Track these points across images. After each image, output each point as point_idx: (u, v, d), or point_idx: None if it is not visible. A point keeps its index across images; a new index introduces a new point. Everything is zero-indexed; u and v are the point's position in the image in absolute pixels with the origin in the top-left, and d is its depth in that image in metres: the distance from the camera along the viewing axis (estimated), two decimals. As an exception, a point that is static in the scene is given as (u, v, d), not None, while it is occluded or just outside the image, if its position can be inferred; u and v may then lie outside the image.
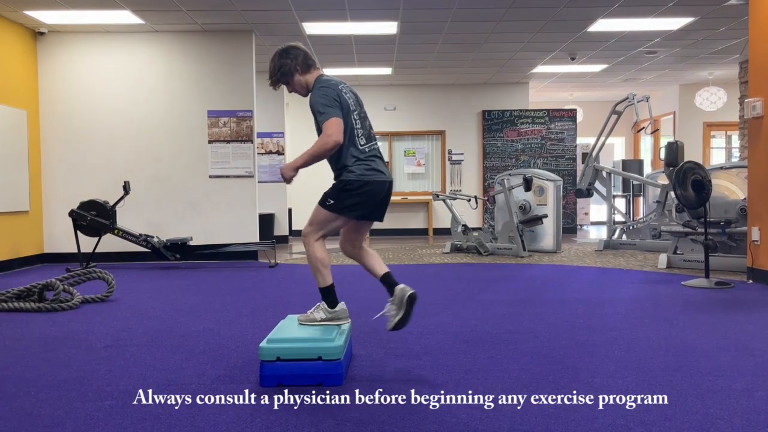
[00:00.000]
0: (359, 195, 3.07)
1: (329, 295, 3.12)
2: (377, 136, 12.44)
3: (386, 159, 11.89)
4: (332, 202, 3.08)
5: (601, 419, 2.42)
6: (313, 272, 3.14)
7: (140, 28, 7.77)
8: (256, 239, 8.11)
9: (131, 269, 7.27)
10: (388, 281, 3.13)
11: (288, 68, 3.15)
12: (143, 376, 3.03)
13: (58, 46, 7.92)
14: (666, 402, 2.60)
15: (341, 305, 3.14)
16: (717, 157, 12.95)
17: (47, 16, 7.21)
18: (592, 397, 2.67)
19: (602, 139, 8.97)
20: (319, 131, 3.08)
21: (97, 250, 7.22)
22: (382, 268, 3.18)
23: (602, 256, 8.07)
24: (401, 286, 3.09)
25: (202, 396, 2.73)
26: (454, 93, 12.03)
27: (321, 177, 11.73)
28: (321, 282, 3.11)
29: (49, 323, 4.31)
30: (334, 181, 3.15)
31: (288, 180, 3.14)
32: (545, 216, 8.42)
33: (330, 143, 2.99)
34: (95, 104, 7.97)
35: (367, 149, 3.13)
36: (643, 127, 9.63)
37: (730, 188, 7.00)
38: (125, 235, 7.23)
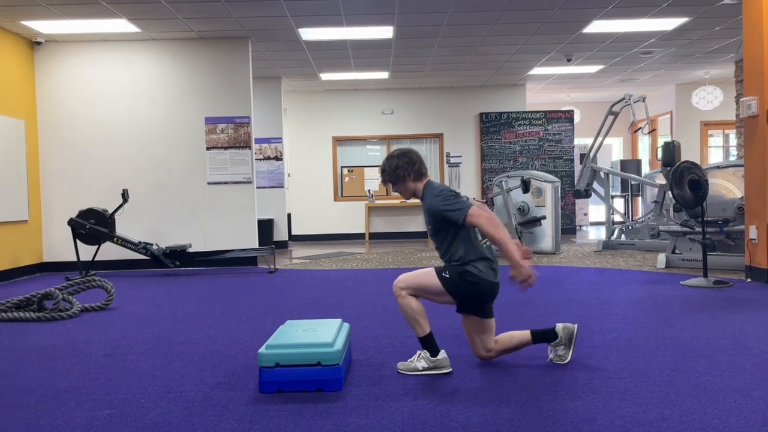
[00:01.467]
0: (473, 288, 3.05)
1: (430, 344, 3.11)
2: (375, 140, 12.52)
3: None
4: (448, 277, 3.06)
5: (600, 420, 2.42)
6: (411, 324, 3.11)
7: (137, 37, 7.79)
8: (256, 245, 8.12)
9: (131, 277, 7.27)
10: (541, 333, 3.20)
11: (403, 172, 3.19)
12: (143, 385, 3.03)
13: (55, 55, 7.94)
14: (664, 402, 2.60)
15: (443, 353, 3.12)
16: (715, 156, 12.97)
17: (44, 26, 7.23)
18: (590, 398, 2.68)
19: (600, 139, 8.98)
20: (439, 231, 3.09)
21: (96, 259, 7.23)
22: (523, 332, 3.22)
23: (601, 256, 8.08)
24: (561, 325, 3.19)
25: (202, 403, 2.74)
26: (451, 96, 12.05)
27: (321, 179, 11.80)
28: (419, 332, 3.09)
29: (48, 332, 4.32)
30: (446, 264, 3.12)
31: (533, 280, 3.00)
32: (544, 217, 8.43)
33: (495, 221, 2.97)
34: (93, 113, 7.98)
35: (484, 245, 3.11)
36: (640, 127, 9.65)
37: (727, 187, 7.01)
38: (124, 243, 7.24)
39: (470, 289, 3.06)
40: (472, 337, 3.22)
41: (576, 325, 3.22)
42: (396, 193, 3.21)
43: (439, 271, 3.09)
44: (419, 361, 3.13)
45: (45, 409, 2.73)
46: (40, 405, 2.78)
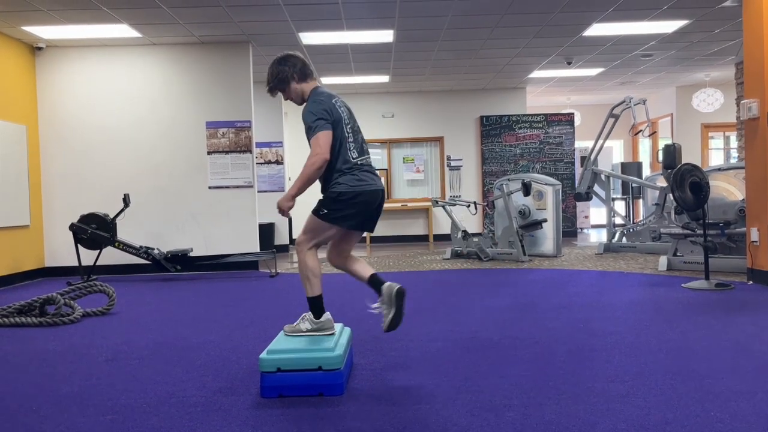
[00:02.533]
0: (353, 205, 3.09)
1: (316, 305, 3.12)
2: (377, 144, 12.52)
3: (385, 166, 12.01)
4: (325, 211, 3.09)
5: (602, 424, 2.42)
6: (303, 281, 3.13)
7: (138, 42, 7.81)
8: (257, 249, 8.12)
9: (132, 282, 7.27)
10: (375, 281, 3.14)
11: (285, 75, 3.16)
12: (144, 390, 3.03)
13: (56, 60, 7.95)
14: (667, 406, 2.60)
15: (326, 315, 3.13)
16: (715, 158, 12.96)
17: (45, 32, 7.25)
18: (593, 401, 2.67)
19: (600, 142, 8.98)
20: (310, 144, 3.10)
21: (97, 263, 7.23)
22: (368, 271, 3.20)
23: (602, 259, 8.07)
24: (388, 283, 3.10)
25: (203, 408, 2.73)
26: (452, 99, 12.06)
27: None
28: (309, 291, 3.11)
29: (50, 338, 4.32)
30: (322, 194, 3.16)
31: (285, 212, 3.15)
32: (545, 220, 8.43)
33: (318, 162, 3.01)
34: (94, 118, 8.00)
35: (359, 162, 3.14)
36: (641, 130, 9.65)
37: (728, 189, 7.01)
38: (126, 247, 7.25)
39: (353, 207, 3.08)
40: (339, 245, 3.24)
41: (401, 287, 3.07)
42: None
43: (315, 211, 3.10)
44: (304, 322, 3.13)
45: (47, 414, 2.72)
46: (42, 410, 2.78)
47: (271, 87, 3.24)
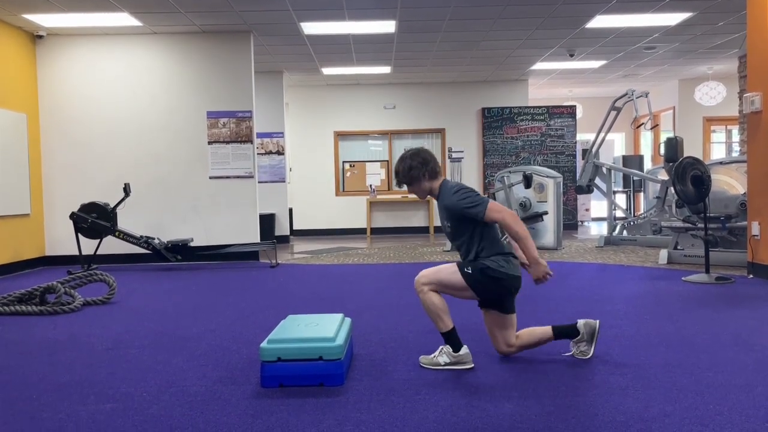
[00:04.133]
0: (495, 283, 3.08)
1: (452, 339, 3.11)
2: (378, 135, 12.50)
3: (386, 158, 12.00)
4: (470, 272, 3.06)
5: (602, 416, 2.42)
6: (433, 319, 3.11)
7: (139, 30, 7.78)
8: (257, 239, 8.12)
9: (132, 271, 7.28)
10: (562, 329, 3.21)
11: (417, 173, 3.18)
12: (144, 379, 3.04)
13: (56, 49, 7.93)
14: (666, 398, 2.60)
15: (465, 349, 3.12)
16: (717, 152, 12.93)
17: (46, 20, 7.22)
18: (592, 393, 2.68)
19: (602, 135, 8.96)
20: (458, 232, 3.11)
21: (98, 253, 7.23)
22: (544, 328, 3.24)
23: (603, 252, 8.07)
24: (582, 321, 3.20)
25: (204, 397, 2.74)
26: (454, 91, 12.02)
27: (322, 174, 11.79)
28: (442, 327, 3.09)
29: (50, 326, 4.32)
30: (467, 260, 3.11)
31: (548, 277, 3.10)
32: (545, 213, 8.42)
33: (514, 217, 3.01)
34: (94, 106, 7.98)
35: (504, 242, 3.14)
36: (643, 123, 9.62)
37: (730, 183, 7.00)
38: (126, 237, 7.24)
39: (492, 284, 3.07)
40: (494, 333, 3.24)
41: (598, 321, 3.22)
42: (397, 188, 3.22)
43: (461, 267, 3.09)
44: (441, 355, 3.13)
45: (47, 402, 2.73)
46: (42, 398, 2.78)
47: (399, 179, 3.26)
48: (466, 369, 3.08)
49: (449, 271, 3.10)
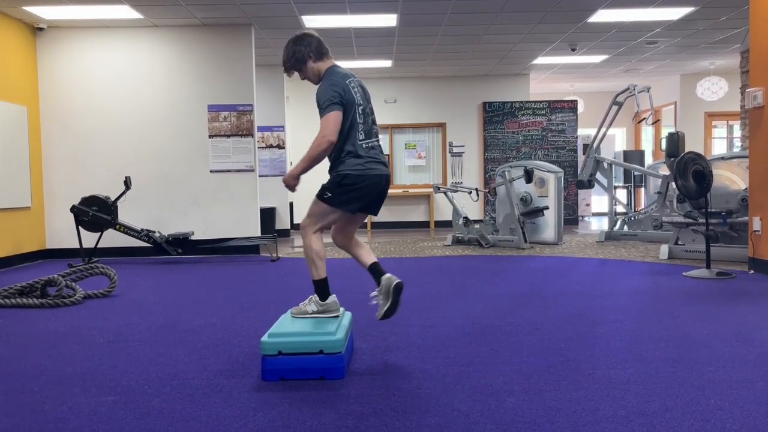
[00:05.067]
0: (357, 189, 3.10)
1: (322, 288, 3.14)
2: (379, 129, 12.50)
3: (387, 152, 11.96)
4: (329, 195, 3.10)
5: (603, 410, 2.42)
6: (308, 264, 3.16)
7: (139, 23, 7.76)
8: (258, 233, 8.12)
9: (133, 264, 7.28)
10: (376, 270, 3.17)
11: (301, 55, 3.14)
12: (146, 371, 3.04)
13: (57, 41, 7.91)
14: (667, 393, 2.60)
15: (332, 298, 3.16)
16: (718, 147, 12.92)
17: (46, 12, 7.20)
18: (593, 388, 2.68)
19: (603, 130, 8.95)
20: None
21: (99, 246, 7.24)
22: (370, 258, 3.23)
23: (603, 247, 8.07)
24: (387, 275, 3.13)
25: (205, 390, 2.74)
26: (455, 85, 12.00)
27: (323, 168, 11.76)
28: (315, 274, 3.13)
29: (51, 319, 4.33)
30: (329, 174, 3.16)
31: (292, 188, 3.18)
32: (546, 207, 8.42)
33: (324, 144, 3.02)
34: (95, 99, 7.96)
35: (364, 145, 3.13)
36: (644, 118, 9.60)
37: (731, 178, 6.99)
38: (127, 230, 7.25)
39: (355, 191, 3.08)
40: (343, 226, 3.25)
41: (400, 281, 3.10)
42: (286, 76, 3.15)
43: (319, 195, 3.11)
44: (309, 304, 3.17)
45: (49, 395, 2.73)
46: (43, 391, 2.79)
47: (287, 67, 3.21)
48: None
49: (312, 205, 3.14)
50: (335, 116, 3.01)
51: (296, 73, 3.27)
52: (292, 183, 3.15)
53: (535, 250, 7.96)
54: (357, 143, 3.10)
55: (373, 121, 3.25)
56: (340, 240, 3.31)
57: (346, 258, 7.54)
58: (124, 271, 6.48)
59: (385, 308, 3.09)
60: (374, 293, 3.17)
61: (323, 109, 3.03)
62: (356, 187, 3.09)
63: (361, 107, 3.15)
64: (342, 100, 3.06)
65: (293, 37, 3.21)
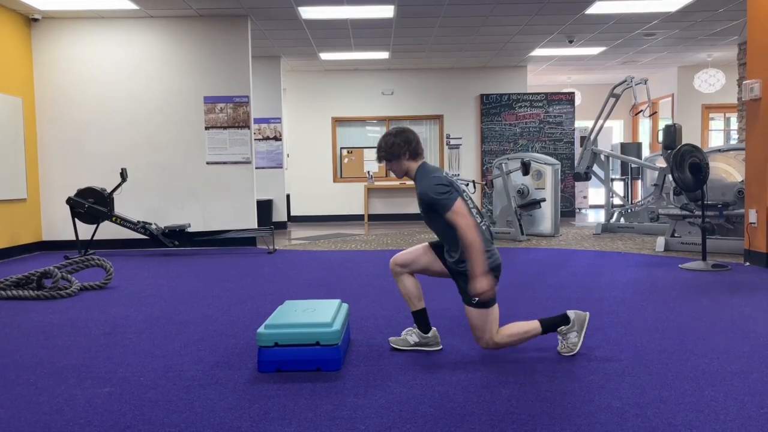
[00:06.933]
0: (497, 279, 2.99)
1: (421, 320, 3.18)
2: (374, 121, 12.46)
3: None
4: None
5: (597, 401, 2.43)
6: (406, 300, 3.18)
7: (135, 14, 7.71)
8: (255, 225, 8.11)
9: (129, 256, 7.27)
10: (550, 320, 3.09)
11: (398, 150, 3.11)
12: (142, 363, 3.04)
13: (52, 32, 7.86)
14: (661, 384, 2.61)
15: (433, 331, 3.20)
16: (716, 140, 12.93)
17: (41, 2, 7.15)
18: (588, 379, 2.69)
19: (600, 122, 8.94)
20: (433, 217, 3.02)
21: (95, 238, 7.22)
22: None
23: (600, 239, 8.08)
24: (573, 312, 3.08)
25: (201, 382, 2.74)
26: (452, 77, 11.97)
27: (320, 160, 11.75)
28: (412, 307, 3.15)
29: (47, 311, 4.32)
30: (458, 266, 3.01)
31: (489, 292, 2.91)
32: (543, 200, 8.42)
33: (473, 226, 2.88)
34: (91, 91, 7.92)
35: (483, 226, 3.04)
36: (642, 110, 9.60)
37: (727, 171, 7.00)
38: (123, 222, 7.23)
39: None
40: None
41: (588, 314, 3.10)
42: (392, 173, 3.16)
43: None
44: (410, 336, 3.19)
45: (44, 386, 2.73)
46: (39, 382, 2.79)
47: (381, 156, 3.18)
48: (433, 351, 3.14)
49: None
50: (460, 203, 2.92)
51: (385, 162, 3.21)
52: (489, 286, 2.86)
53: (532, 242, 7.96)
54: (481, 228, 3.01)
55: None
56: (399, 271, 3.18)
57: (342, 250, 7.54)
58: (120, 263, 6.47)
59: (581, 341, 3.05)
60: (563, 334, 3.06)
61: (447, 201, 2.91)
62: (497, 276, 3.00)
63: (466, 194, 3.10)
64: (453, 188, 3.00)
65: (396, 129, 3.17)
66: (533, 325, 3.05)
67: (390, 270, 3.20)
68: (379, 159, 3.23)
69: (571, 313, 3.08)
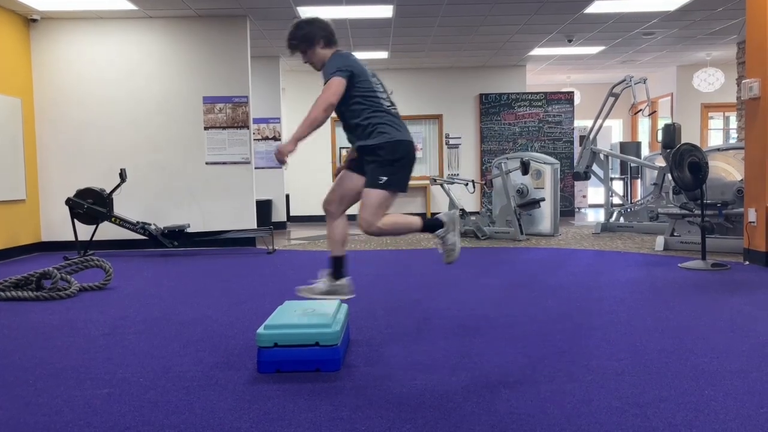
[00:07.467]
0: (409, 160, 2.94)
1: (338, 267, 3.15)
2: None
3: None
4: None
5: (597, 401, 2.43)
6: (330, 244, 3.13)
7: (134, 14, 7.70)
8: (254, 226, 8.10)
9: (129, 257, 7.27)
10: (428, 221, 3.11)
11: (312, 36, 2.99)
12: (141, 364, 3.04)
13: (51, 33, 7.85)
14: (661, 384, 2.61)
15: (345, 279, 3.16)
16: (715, 139, 12.93)
17: (40, 3, 7.14)
18: (588, 379, 2.68)
19: (600, 121, 8.94)
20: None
21: (94, 238, 7.21)
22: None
23: (599, 238, 8.08)
24: (444, 213, 3.07)
25: (200, 383, 2.74)
26: (451, 76, 11.97)
27: (319, 160, 11.75)
28: (334, 252, 3.09)
29: (47, 312, 4.32)
30: (360, 143, 2.93)
31: (285, 158, 2.92)
32: (543, 199, 8.42)
33: (324, 103, 2.82)
34: (90, 91, 7.92)
35: (392, 110, 2.98)
36: (641, 109, 9.60)
37: (727, 170, 7.00)
38: (122, 222, 7.22)
39: (407, 166, 3.01)
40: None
41: (455, 210, 3.08)
42: (289, 54, 3.05)
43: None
44: (321, 284, 3.15)
45: (43, 387, 2.73)
46: (38, 384, 2.78)
47: (292, 44, 3.04)
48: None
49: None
50: (338, 81, 2.84)
51: (300, 55, 3.09)
52: (287, 149, 2.88)
53: (532, 241, 7.96)
54: (385, 108, 2.93)
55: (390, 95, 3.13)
56: (334, 209, 3.14)
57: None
58: (119, 263, 6.46)
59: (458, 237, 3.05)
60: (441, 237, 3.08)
61: (325, 78, 2.85)
62: (410, 158, 2.94)
63: (376, 81, 3.01)
64: (352, 69, 2.90)
65: (306, 18, 3.07)
66: (414, 220, 3.07)
67: (324, 212, 3.14)
68: (292, 48, 3.04)
69: (443, 216, 3.06)
